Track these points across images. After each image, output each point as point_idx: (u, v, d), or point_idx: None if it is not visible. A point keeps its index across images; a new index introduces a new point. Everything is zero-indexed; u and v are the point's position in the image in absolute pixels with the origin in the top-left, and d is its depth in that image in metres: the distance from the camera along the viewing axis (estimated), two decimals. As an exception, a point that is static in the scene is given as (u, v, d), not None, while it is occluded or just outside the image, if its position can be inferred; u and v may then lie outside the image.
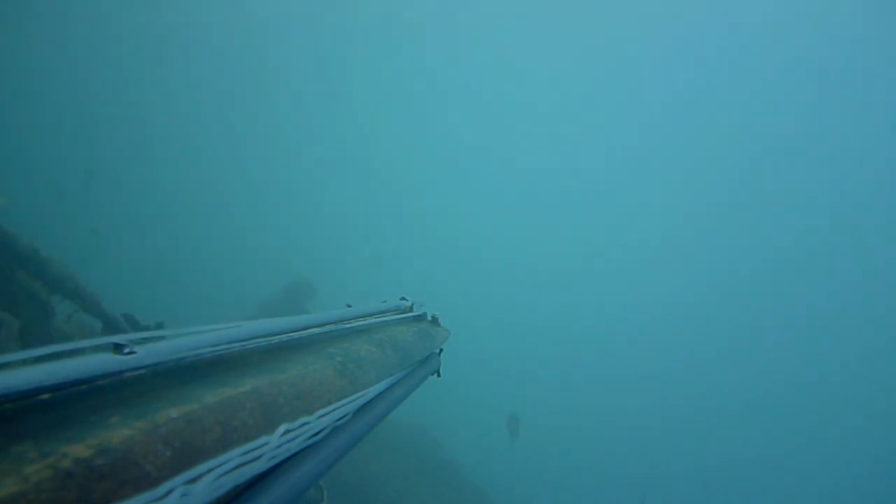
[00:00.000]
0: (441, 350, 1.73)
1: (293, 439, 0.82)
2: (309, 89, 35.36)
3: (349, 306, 1.39)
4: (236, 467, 0.70)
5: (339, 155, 35.34)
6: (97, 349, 0.68)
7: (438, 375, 1.68)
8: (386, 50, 35.12)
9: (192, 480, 0.63)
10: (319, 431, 0.91)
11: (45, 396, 0.63)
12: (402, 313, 1.64)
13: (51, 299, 5.15)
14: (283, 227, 29.18)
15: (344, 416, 1.00)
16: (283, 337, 1.06)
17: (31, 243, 5.06)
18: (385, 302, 1.64)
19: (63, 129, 24.82)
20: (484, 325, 24.88)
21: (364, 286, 23.34)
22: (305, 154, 34.48)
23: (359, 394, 1.07)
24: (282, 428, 0.79)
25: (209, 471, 0.65)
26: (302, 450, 0.86)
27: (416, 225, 34.88)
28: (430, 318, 1.76)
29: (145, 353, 0.72)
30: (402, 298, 1.71)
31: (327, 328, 1.22)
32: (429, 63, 36.90)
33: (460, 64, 37.42)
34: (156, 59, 30.51)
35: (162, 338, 0.77)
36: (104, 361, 0.67)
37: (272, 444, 0.76)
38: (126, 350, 0.70)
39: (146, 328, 5.86)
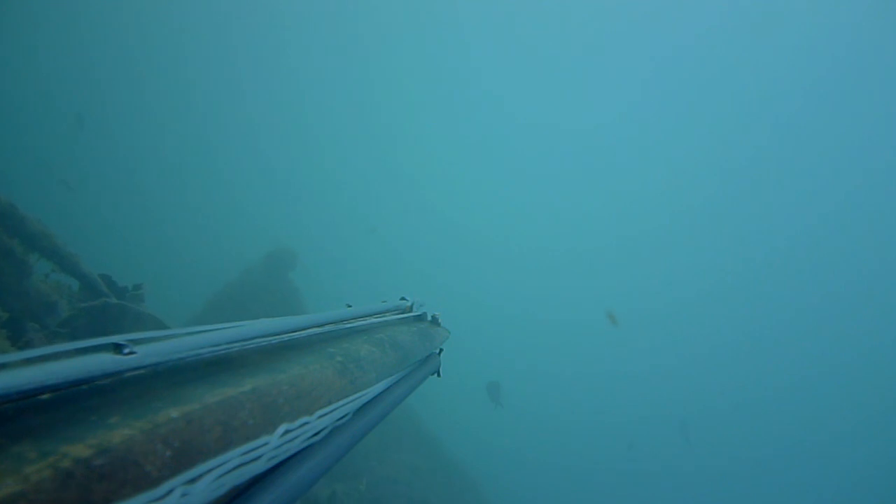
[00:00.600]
0: (441, 350, 1.73)
1: (293, 439, 0.83)
2: (312, 69, 35.30)
3: (349, 306, 1.39)
4: (236, 467, 0.70)
5: (340, 138, 35.45)
6: (97, 349, 0.68)
7: (438, 375, 1.69)
8: (385, 36, 34.95)
9: (192, 480, 0.63)
10: (319, 431, 0.91)
11: (45, 396, 0.63)
12: (402, 313, 1.65)
13: (28, 258, 5.02)
14: (279, 195, 29.38)
15: (344, 416, 1.01)
16: (283, 337, 1.06)
17: (8, 199, 4.92)
18: (385, 302, 1.64)
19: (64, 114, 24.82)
20: (483, 320, 24.91)
21: (359, 259, 23.41)
22: (307, 134, 34.58)
23: (359, 394, 1.07)
24: (282, 428, 0.79)
25: (209, 471, 0.65)
26: (302, 450, 0.86)
27: (413, 207, 35.08)
28: (430, 318, 1.76)
29: (145, 353, 0.72)
30: (402, 298, 1.72)
31: (327, 328, 1.23)
32: (432, 54, 36.74)
33: (462, 53, 37.21)
34: (170, 50, 30.55)
35: (162, 338, 0.77)
36: (104, 361, 0.67)
37: (272, 444, 0.77)
38: (126, 350, 0.70)
39: (124, 290, 5.77)
